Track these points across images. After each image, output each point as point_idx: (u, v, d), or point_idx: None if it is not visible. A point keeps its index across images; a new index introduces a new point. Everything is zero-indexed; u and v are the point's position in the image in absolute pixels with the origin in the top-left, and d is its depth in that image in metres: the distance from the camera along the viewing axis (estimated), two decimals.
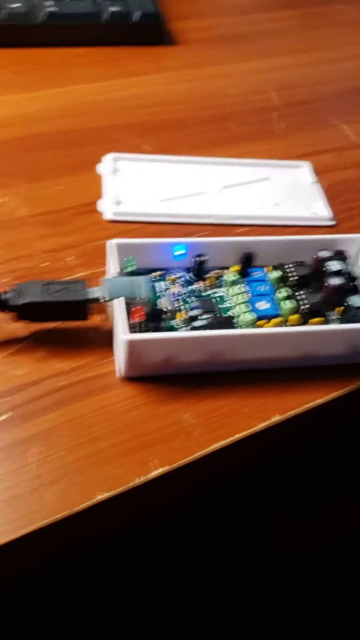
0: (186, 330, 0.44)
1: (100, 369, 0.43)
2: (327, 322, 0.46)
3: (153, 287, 0.46)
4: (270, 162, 0.63)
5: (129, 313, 0.42)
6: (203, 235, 0.55)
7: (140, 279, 0.43)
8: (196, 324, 0.42)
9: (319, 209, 0.59)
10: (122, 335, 0.40)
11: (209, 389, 0.43)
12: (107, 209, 0.55)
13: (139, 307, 0.42)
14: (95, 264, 0.50)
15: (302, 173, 0.63)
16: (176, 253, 0.47)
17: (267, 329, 0.42)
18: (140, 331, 0.42)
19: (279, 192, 0.60)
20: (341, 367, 0.45)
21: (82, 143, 0.63)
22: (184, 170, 0.61)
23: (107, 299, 0.42)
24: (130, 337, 0.40)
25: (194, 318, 0.43)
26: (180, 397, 0.42)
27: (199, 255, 0.47)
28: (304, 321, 0.46)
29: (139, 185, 0.58)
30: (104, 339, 0.45)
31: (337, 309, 0.47)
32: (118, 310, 0.42)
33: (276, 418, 0.42)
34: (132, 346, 0.40)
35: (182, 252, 0.47)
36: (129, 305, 0.43)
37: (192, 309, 0.44)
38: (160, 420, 0.41)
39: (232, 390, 0.43)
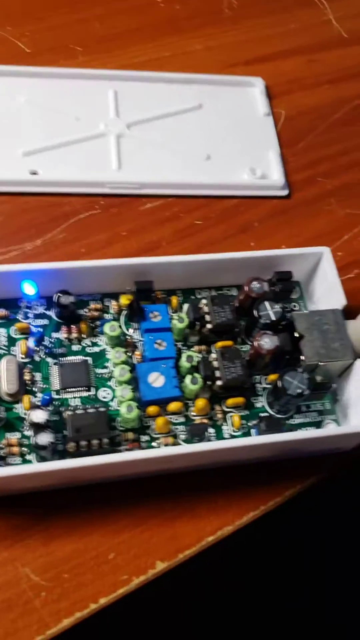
0: (31, 434, 0.29)
1: None
2: (248, 401, 0.31)
3: None
4: (206, 78, 0.42)
5: None
6: (92, 214, 0.37)
7: None
8: (41, 439, 0.27)
9: (268, 167, 0.40)
10: None
11: (60, 520, 0.29)
12: None
13: None
14: None
15: (251, 95, 0.43)
16: (25, 292, 0.30)
17: (140, 454, 0.27)
18: None
19: (213, 132, 0.41)
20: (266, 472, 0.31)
21: None
22: (71, 91, 0.40)
23: None
24: None
25: (41, 426, 0.27)
26: (20, 536, 0.28)
27: (62, 294, 0.30)
28: (220, 399, 0.31)
29: None
30: None
31: (270, 376, 0.32)
32: None
33: (160, 567, 0.29)
34: None
35: (33, 291, 0.30)
36: None
37: (37, 405, 0.28)
38: None
39: (97, 520, 0.29)
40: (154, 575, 0.29)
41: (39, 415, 0.27)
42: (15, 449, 0.28)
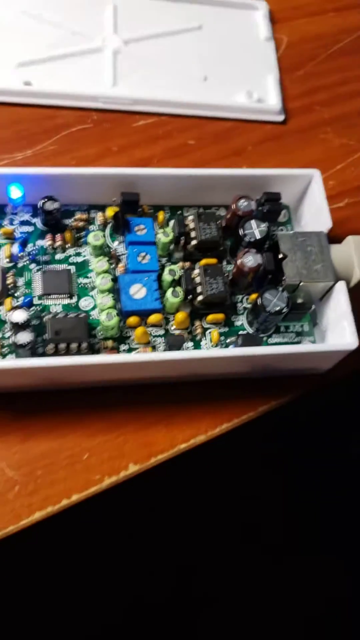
0: (10, 334, 0.29)
1: None
2: (228, 319, 0.32)
3: None
4: None
5: None
6: (84, 128, 0.37)
7: None
8: (20, 338, 0.27)
9: (266, 91, 0.39)
10: None
11: (38, 421, 0.30)
12: None
13: None
14: None
15: (253, 19, 0.42)
16: (12, 195, 0.30)
17: (117, 358, 0.28)
18: None
19: (211, 54, 0.40)
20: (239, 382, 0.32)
21: None
22: (69, 4, 0.39)
23: None
24: None
25: (21, 326, 0.28)
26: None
27: (47, 200, 0.30)
28: (200, 316, 0.32)
29: None
30: None
31: (252, 296, 0.32)
32: None
33: (132, 469, 0.30)
34: None
35: (19, 194, 0.30)
36: None
37: (18, 306, 0.29)
38: None
39: (73, 423, 0.30)
40: (125, 476, 0.30)
41: (19, 315, 0.28)
42: None
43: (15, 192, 0.30)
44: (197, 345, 0.31)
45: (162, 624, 0.59)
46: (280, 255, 0.31)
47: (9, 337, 0.29)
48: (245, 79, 0.39)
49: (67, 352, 0.29)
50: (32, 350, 0.28)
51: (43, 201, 0.30)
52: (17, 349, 0.28)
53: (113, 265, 0.32)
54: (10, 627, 0.56)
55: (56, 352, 0.29)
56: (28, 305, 0.30)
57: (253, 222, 0.31)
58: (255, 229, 0.31)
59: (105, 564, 0.59)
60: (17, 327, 0.28)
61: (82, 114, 0.37)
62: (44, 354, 0.29)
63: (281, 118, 0.39)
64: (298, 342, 0.32)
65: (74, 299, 0.31)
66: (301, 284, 0.30)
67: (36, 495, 0.29)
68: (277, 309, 0.30)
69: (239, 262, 0.31)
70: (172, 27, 0.40)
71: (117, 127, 0.37)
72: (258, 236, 0.31)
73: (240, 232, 0.31)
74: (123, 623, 0.58)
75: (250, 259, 0.30)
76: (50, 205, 0.30)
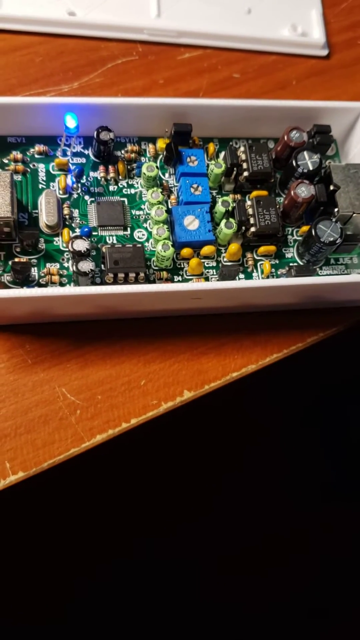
0: (71, 261, 0.30)
1: None
2: (279, 251, 0.32)
3: (24, 183, 0.31)
4: None
5: None
6: (130, 60, 0.36)
7: None
8: (82, 266, 0.28)
9: (310, 25, 0.39)
10: None
11: (95, 349, 0.31)
12: None
13: None
14: None
15: None
16: (68, 124, 0.30)
17: (173, 287, 0.28)
18: None
19: None
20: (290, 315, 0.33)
21: None
22: None
23: None
24: None
25: (82, 254, 0.28)
26: (58, 360, 0.30)
27: (102, 130, 0.30)
28: (252, 248, 0.32)
29: None
30: None
31: (303, 228, 0.32)
32: None
33: (187, 395, 0.31)
34: None
35: (74, 124, 0.30)
36: None
37: (78, 236, 0.29)
38: (26, 395, 0.29)
39: (129, 351, 0.31)
40: (181, 402, 0.31)
41: (80, 244, 0.28)
42: (55, 278, 0.29)
43: (71, 122, 0.30)
44: (249, 277, 0.32)
45: None
46: (332, 187, 0.31)
47: (67, 268, 0.30)
48: (289, 12, 0.39)
49: (125, 281, 0.29)
50: (92, 278, 0.29)
51: (98, 131, 0.30)
52: (79, 277, 0.28)
53: (165, 198, 0.32)
54: None
55: (115, 282, 0.29)
56: (87, 235, 0.30)
57: (306, 153, 0.31)
58: (308, 160, 0.31)
59: None
60: (79, 256, 0.28)
61: (127, 46, 0.36)
62: (102, 284, 0.29)
63: (325, 52, 0.39)
64: (347, 275, 0.32)
65: (128, 231, 0.31)
66: (354, 215, 0.31)
67: (97, 418, 0.30)
68: (331, 239, 0.30)
69: (292, 193, 0.31)
70: None
71: (163, 59, 0.37)
72: (311, 167, 0.31)
73: (293, 163, 0.31)
74: None
75: (303, 190, 0.31)
76: (105, 136, 0.30)
